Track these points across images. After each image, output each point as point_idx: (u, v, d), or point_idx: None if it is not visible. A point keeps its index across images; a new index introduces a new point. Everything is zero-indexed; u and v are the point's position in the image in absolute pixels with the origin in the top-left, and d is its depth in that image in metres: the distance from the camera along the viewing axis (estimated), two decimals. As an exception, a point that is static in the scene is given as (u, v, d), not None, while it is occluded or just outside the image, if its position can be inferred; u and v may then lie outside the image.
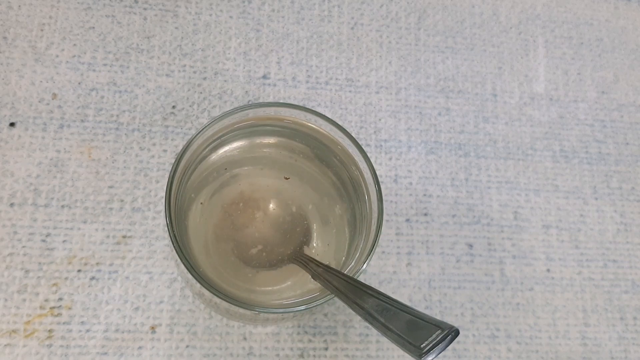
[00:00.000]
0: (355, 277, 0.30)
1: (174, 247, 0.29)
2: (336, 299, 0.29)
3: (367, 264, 0.31)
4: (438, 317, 0.39)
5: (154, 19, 0.43)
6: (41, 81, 0.40)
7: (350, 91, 0.43)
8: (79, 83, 0.41)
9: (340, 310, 0.38)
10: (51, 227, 0.37)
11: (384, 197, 0.33)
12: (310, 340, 0.37)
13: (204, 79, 0.42)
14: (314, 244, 0.35)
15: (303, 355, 0.37)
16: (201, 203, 0.34)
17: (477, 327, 0.39)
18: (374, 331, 0.38)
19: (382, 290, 0.39)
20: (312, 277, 0.31)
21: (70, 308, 0.36)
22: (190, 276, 0.29)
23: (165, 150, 0.40)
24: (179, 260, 0.30)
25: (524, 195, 0.43)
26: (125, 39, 0.42)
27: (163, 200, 0.39)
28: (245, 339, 0.37)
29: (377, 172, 0.33)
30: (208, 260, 0.33)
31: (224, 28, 0.44)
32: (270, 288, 0.33)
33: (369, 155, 0.33)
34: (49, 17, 0.42)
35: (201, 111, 0.41)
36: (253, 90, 0.42)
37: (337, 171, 0.35)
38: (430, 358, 0.25)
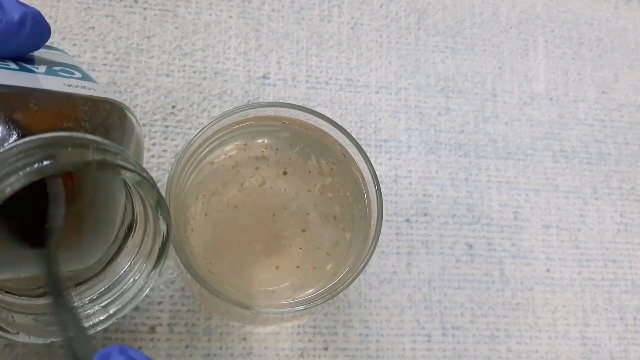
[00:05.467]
0: (355, 276, 0.30)
1: (174, 247, 0.29)
2: (336, 299, 0.29)
3: (367, 264, 0.31)
4: (438, 317, 0.39)
5: (154, 19, 0.43)
6: (41, 81, 0.40)
7: (350, 91, 0.43)
8: (79, 83, 0.41)
9: (340, 310, 0.38)
10: (51, 227, 0.37)
11: (383, 197, 0.33)
12: (310, 340, 0.37)
13: (204, 79, 0.42)
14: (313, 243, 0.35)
15: (303, 355, 0.37)
16: (201, 203, 0.34)
17: (477, 327, 0.39)
18: (374, 331, 0.38)
19: (381, 289, 0.39)
20: None
21: (70, 308, 0.36)
22: (190, 276, 0.29)
23: (165, 150, 0.40)
24: (179, 260, 0.30)
25: (523, 195, 0.43)
26: (125, 39, 0.42)
27: (163, 200, 0.39)
28: (245, 339, 0.37)
29: (377, 172, 0.33)
30: (208, 260, 0.33)
31: (224, 28, 0.44)
32: (270, 288, 0.33)
33: (368, 155, 0.33)
34: (48, 17, 0.42)
35: (201, 111, 0.41)
36: (253, 90, 0.42)
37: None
38: None
